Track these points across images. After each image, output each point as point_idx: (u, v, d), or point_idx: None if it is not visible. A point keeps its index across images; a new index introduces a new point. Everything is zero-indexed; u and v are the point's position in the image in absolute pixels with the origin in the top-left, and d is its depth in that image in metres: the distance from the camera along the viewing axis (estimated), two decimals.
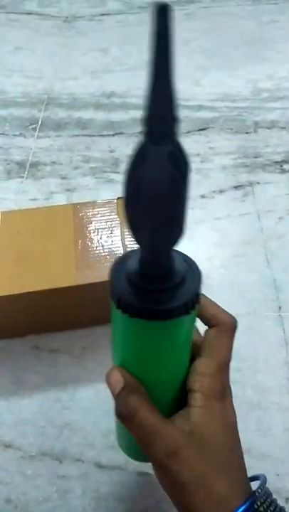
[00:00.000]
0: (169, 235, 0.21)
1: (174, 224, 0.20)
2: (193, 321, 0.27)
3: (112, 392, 0.28)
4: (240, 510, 0.25)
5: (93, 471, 0.45)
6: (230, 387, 0.29)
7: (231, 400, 0.29)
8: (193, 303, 0.23)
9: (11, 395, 0.50)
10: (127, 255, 0.25)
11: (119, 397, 0.27)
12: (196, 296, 0.23)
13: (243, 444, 0.28)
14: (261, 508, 0.26)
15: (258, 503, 0.26)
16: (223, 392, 0.28)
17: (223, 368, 0.28)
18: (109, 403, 0.49)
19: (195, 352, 0.29)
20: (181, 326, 0.24)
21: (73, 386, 0.50)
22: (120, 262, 0.24)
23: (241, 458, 0.28)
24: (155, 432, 0.26)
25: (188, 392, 0.28)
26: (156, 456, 0.26)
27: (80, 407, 0.49)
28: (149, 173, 0.18)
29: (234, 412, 0.28)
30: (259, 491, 0.27)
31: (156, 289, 0.23)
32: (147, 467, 0.45)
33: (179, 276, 0.23)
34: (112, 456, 0.46)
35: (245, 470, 0.28)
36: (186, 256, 0.25)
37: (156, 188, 0.18)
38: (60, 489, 0.44)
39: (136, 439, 0.27)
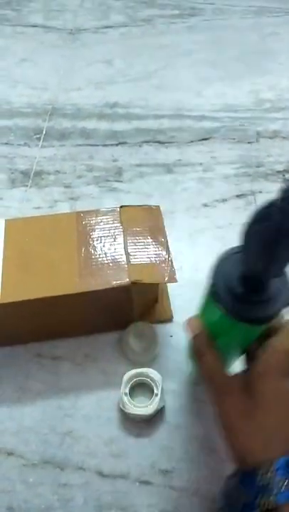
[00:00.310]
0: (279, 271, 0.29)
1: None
2: None
3: (191, 332, 0.39)
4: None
5: (95, 479, 0.45)
6: None
7: None
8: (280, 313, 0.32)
9: (14, 403, 0.50)
10: (223, 260, 0.34)
11: (196, 337, 0.39)
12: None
13: None
14: None
15: None
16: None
17: None
18: (111, 411, 0.49)
19: (272, 332, 0.36)
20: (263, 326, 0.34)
21: (75, 394, 0.50)
22: (219, 268, 0.33)
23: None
24: (216, 371, 0.37)
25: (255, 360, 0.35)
26: (214, 389, 0.36)
27: (82, 414, 0.49)
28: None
29: None
30: None
31: (257, 300, 0.31)
32: (149, 476, 0.45)
33: (273, 291, 0.31)
34: (114, 464, 0.46)
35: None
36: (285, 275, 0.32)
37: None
38: (61, 498, 0.44)
39: (200, 371, 0.38)
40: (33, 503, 0.44)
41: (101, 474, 0.45)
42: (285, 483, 0.30)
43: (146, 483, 0.45)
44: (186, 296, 0.57)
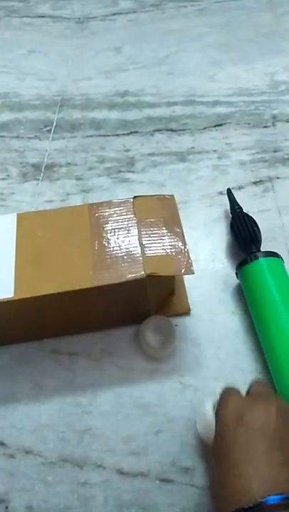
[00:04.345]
0: None
1: None
2: None
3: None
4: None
5: (115, 478, 0.44)
6: None
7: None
8: None
9: (31, 400, 0.49)
10: None
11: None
12: None
13: None
14: None
15: None
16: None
17: None
18: (129, 408, 0.48)
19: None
20: None
21: (93, 390, 0.49)
22: None
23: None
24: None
25: None
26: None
27: (100, 411, 0.48)
28: None
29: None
30: None
31: None
32: (170, 474, 0.44)
33: None
34: (133, 462, 0.45)
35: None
36: None
37: None
38: (81, 497, 0.43)
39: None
40: (52, 502, 0.43)
41: (121, 472, 0.44)
42: None
43: (167, 481, 0.44)
44: (204, 288, 0.56)
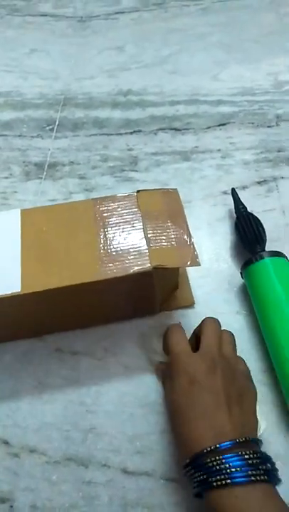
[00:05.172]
0: None
1: None
2: None
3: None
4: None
5: (120, 477, 0.44)
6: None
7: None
8: None
9: (35, 399, 0.49)
10: None
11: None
12: None
13: None
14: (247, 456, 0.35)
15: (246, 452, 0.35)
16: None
17: None
18: (134, 407, 0.48)
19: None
20: None
21: (97, 389, 0.49)
22: None
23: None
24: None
25: None
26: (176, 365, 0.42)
27: (104, 410, 0.48)
28: None
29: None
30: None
31: None
32: (175, 473, 0.44)
33: None
34: (138, 461, 0.45)
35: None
36: None
37: None
38: (86, 496, 0.43)
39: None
40: (57, 501, 0.43)
41: (126, 472, 0.44)
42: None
43: (172, 480, 0.44)
44: (208, 287, 0.56)
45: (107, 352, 0.52)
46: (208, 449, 0.35)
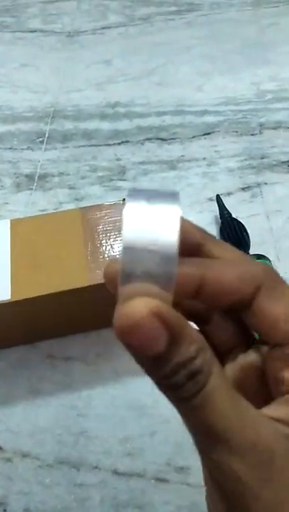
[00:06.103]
0: None
1: None
2: None
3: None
4: None
5: (111, 478, 0.45)
6: None
7: None
8: None
9: (28, 405, 0.50)
10: None
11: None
12: None
13: None
14: None
15: None
16: None
17: None
18: (124, 410, 0.49)
19: None
20: None
21: (88, 393, 0.50)
22: None
23: None
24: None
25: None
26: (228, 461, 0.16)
27: (95, 414, 0.49)
28: None
29: None
30: None
31: None
32: (165, 473, 0.45)
33: None
34: (129, 463, 0.46)
35: None
36: None
37: None
38: (78, 498, 0.44)
39: (192, 428, 0.17)
40: (49, 504, 0.44)
41: (117, 473, 0.45)
42: None
43: (163, 480, 0.45)
44: None
45: (98, 357, 0.53)
46: None
